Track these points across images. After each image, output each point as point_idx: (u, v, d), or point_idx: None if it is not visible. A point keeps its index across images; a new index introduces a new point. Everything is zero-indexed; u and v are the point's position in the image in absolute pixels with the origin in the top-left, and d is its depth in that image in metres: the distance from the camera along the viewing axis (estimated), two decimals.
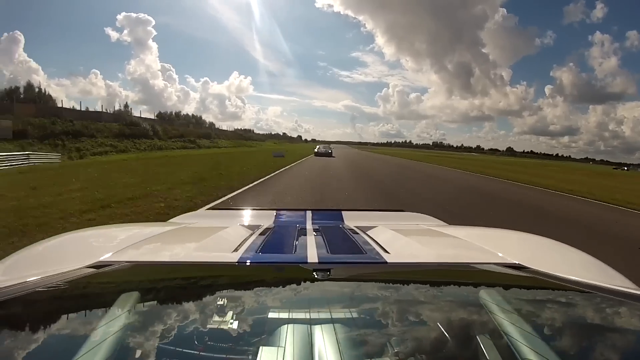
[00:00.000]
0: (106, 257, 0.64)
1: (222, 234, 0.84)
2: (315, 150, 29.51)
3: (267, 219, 1.20)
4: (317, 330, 0.40)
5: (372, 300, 0.51)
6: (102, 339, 0.37)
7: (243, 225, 0.98)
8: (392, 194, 8.65)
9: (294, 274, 0.61)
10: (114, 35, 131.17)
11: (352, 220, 1.21)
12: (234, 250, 0.68)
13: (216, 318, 0.43)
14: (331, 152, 28.70)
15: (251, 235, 0.84)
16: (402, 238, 0.87)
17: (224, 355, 0.37)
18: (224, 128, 73.44)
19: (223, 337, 0.39)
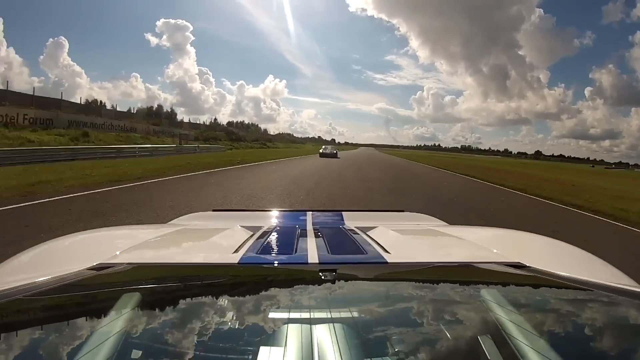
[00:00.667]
0: (108, 258, 0.65)
1: (223, 235, 0.86)
2: (320, 151, 29.82)
3: (267, 220, 1.21)
4: (318, 330, 0.40)
5: (372, 301, 0.51)
6: (105, 340, 0.37)
7: (243, 227, 0.97)
8: (362, 169, 16.88)
9: (295, 274, 0.62)
10: (153, 40, 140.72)
11: (352, 220, 1.22)
12: (234, 251, 0.69)
13: (217, 319, 0.44)
14: (336, 152, 29.19)
15: (252, 236, 0.85)
16: (403, 238, 0.88)
17: (225, 356, 0.38)
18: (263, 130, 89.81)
19: (224, 338, 0.40)
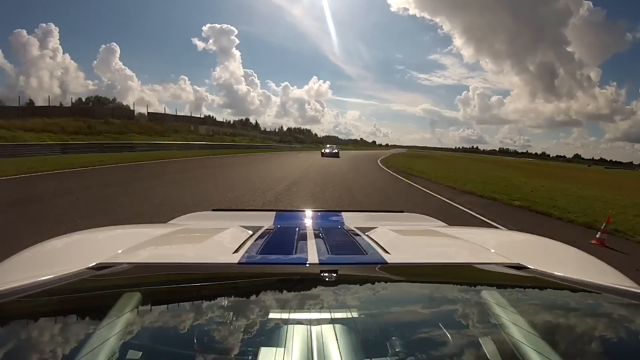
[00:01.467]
0: (108, 258, 0.65)
1: (223, 235, 0.85)
2: (323, 151, 29.14)
3: (267, 220, 1.20)
4: (318, 330, 0.40)
5: (372, 301, 0.51)
6: (105, 340, 0.37)
7: (243, 227, 0.97)
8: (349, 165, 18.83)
9: (295, 274, 0.62)
10: (200, 44, 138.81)
11: (352, 221, 1.23)
12: (234, 252, 0.69)
13: (217, 319, 0.44)
14: (337, 152, 28.47)
15: (252, 236, 0.85)
16: (403, 239, 0.88)
17: (225, 356, 0.38)
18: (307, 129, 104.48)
19: (224, 338, 0.40)
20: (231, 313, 0.45)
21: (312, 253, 0.70)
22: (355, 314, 0.45)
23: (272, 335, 0.40)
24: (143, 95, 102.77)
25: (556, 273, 0.64)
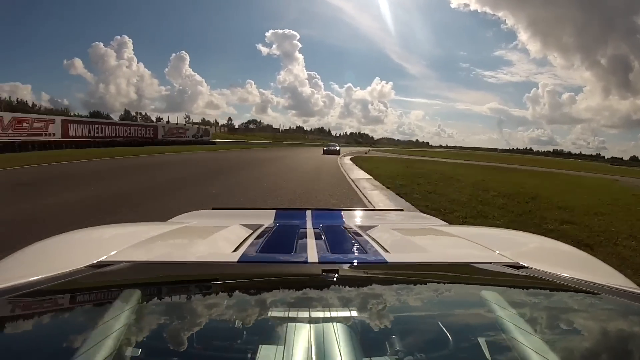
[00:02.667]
0: (107, 256, 0.65)
1: (223, 234, 0.86)
2: (324, 148, 29.24)
3: (267, 219, 1.20)
4: (318, 329, 0.40)
5: (372, 300, 0.51)
6: (104, 338, 0.37)
7: (243, 225, 0.98)
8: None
9: (295, 273, 0.62)
10: (264, 50, 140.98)
11: (351, 219, 1.22)
12: (234, 250, 0.69)
13: (217, 317, 0.44)
14: (338, 150, 28.43)
15: (251, 234, 0.85)
16: (402, 237, 0.88)
17: (225, 354, 0.38)
18: (366, 132, 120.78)
19: (223, 336, 0.40)
20: (231, 311, 0.45)
21: (312, 252, 0.70)
22: (355, 313, 0.45)
23: (272, 333, 0.40)
24: (212, 99, 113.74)
25: (556, 273, 0.64)
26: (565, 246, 0.90)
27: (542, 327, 0.45)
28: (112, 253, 0.67)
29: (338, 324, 0.41)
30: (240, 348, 0.39)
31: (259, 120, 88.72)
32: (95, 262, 0.62)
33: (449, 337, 0.41)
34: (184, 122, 51.02)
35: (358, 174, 11.11)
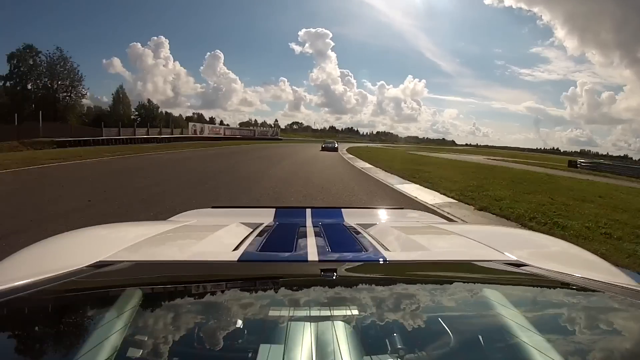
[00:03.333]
0: (108, 256, 0.65)
1: (223, 232, 0.86)
2: (322, 145, 30.02)
3: (267, 217, 1.21)
4: (318, 328, 0.40)
5: (372, 298, 0.51)
6: (105, 338, 0.37)
7: (243, 224, 0.98)
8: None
9: (295, 272, 0.62)
10: (297, 48, 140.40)
11: (352, 218, 1.23)
12: (234, 249, 0.70)
13: (217, 316, 0.44)
14: (337, 147, 29.22)
15: (251, 233, 0.86)
16: (403, 236, 0.88)
17: (225, 353, 0.38)
18: (400, 130, 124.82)
19: (224, 335, 0.40)
20: (231, 310, 0.46)
21: (312, 250, 0.70)
22: (355, 311, 0.45)
23: (273, 332, 0.40)
24: (246, 96, 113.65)
25: (557, 270, 0.63)
26: (566, 244, 0.89)
27: (543, 325, 0.44)
28: (112, 252, 0.67)
29: (338, 322, 0.41)
30: (241, 347, 0.38)
31: (300, 122, 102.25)
32: (96, 261, 0.62)
33: (450, 335, 0.40)
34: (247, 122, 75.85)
35: (350, 154, 21.70)
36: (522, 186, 8.98)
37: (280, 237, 0.86)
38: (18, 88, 34.35)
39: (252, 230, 0.90)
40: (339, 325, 0.41)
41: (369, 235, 0.86)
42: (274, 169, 10.65)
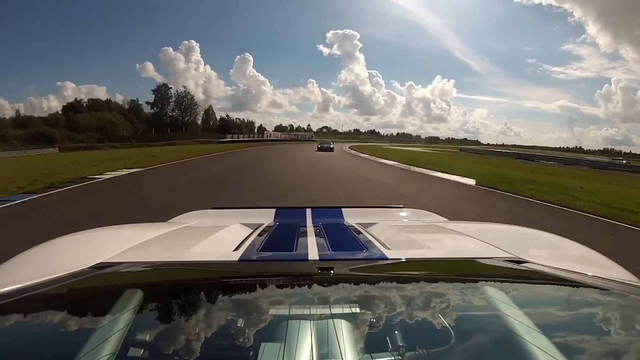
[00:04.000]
0: (108, 257, 0.65)
1: (223, 233, 0.86)
2: (318, 146, 30.78)
3: (267, 218, 1.21)
4: (319, 326, 0.41)
5: (373, 297, 0.51)
6: (106, 339, 0.38)
7: (243, 224, 0.99)
8: None
9: (295, 271, 0.62)
10: (325, 50, 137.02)
11: (352, 217, 1.23)
12: (235, 249, 0.70)
13: (218, 316, 0.45)
14: (332, 147, 29.83)
15: (252, 233, 0.86)
16: (403, 234, 0.90)
17: (227, 353, 0.39)
18: (430, 130, 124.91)
19: (226, 335, 0.41)
20: (232, 310, 0.46)
21: (313, 250, 0.70)
22: (355, 310, 0.45)
23: (274, 331, 0.41)
24: (275, 98, 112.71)
25: (557, 267, 0.64)
26: (567, 241, 0.89)
27: (544, 322, 0.45)
28: (113, 254, 0.67)
29: (339, 321, 0.42)
30: (243, 347, 0.39)
31: (328, 126, 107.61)
32: (96, 263, 0.63)
33: (451, 333, 0.41)
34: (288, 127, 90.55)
35: (353, 151, 29.68)
36: (427, 158, 20.70)
37: (281, 237, 0.87)
38: (156, 110, 55.66)
39: (252, 230, 0.91)
40: (340, 324, 0.41)
41: (370, 234, 0.87)
42: (309, 148, 28.96)
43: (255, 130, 66.48)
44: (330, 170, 12.60)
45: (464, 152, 40.48)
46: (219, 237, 0.84)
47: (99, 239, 0.90)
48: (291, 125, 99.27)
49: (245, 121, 73.46)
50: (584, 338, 0.43)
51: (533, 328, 0.41)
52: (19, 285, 0.52)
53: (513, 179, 10.32)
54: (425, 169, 13.58)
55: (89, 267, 0.61)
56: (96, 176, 9.58)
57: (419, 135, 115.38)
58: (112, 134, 41.70)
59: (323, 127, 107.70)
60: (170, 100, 57.34)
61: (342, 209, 1.36)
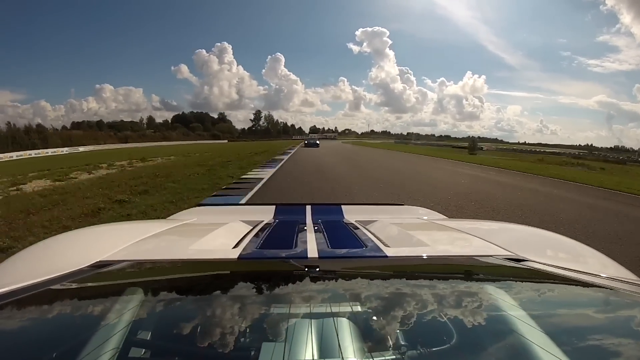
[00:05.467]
0: (108, 255, 0.65)
1: (223, 231, 0.87)
2: (305, 142, 31.32)
3: (266, 215, 1.21)
4: (318, 324, 0.41)
5: (372, 294, 0.51)
6: (107, 337, 0.38)
7: (243, 221, 0.99)
8: None
9: (295, 269, 0.62)
10: (355, 48, 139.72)
11: (352, 214, 1.23)
12: (234, 247, 0.70)
13: (218, 314, 0.45)
14: (318, 144, 30.83)
15: (251, 231, 0.87)
16: (403, 232, 0.89)
17: (227, 351, 0.38)
18: (464, 128, 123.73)
19: (225, 333, 0.40)
20: (231, 308, 0.46)
21: (312, 247, 0.70)
22: (355, 308, 0.46)
23: (273, 329, 0.41)
24: (307, 97, 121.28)
25: (556, 265, 0.64)
26: (565, 239, 0.90)
27: (544, 320, 0.45)
28: (113, 252, 0.67)
29: (339, 319, 0.42)
30: (243, 344, 0.39)
31: (349, 128, 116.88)
32: (96, 261, 0.63)
33: (451, 331, 0.41)
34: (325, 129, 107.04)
35: (348, 144, 50.31)
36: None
37: (280, 235, 0.87)
38: (255, 123, 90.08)
39: (251, 228, 0.92)
40: (340, 322, 0.41)
41: (369, 231, 0.88)
42: (331, 142, 61.14)
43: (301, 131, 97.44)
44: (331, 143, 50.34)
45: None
46: (218, 234, 0.84)
47: (99, 236, 0.90)
48: (323, 127, 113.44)
49: (295, 127, 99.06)
50: (585, 336, 0.43)
51: (533, 326, 0.41)
52: (19, 284, 0.52)
53: None
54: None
55: (88, 266, 0.62)
56: (291, 147, 30.53)
57: (433, 134, 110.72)
58: (232, 134, 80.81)
59: (345, 129, 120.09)
60: (261, 116, 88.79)
61: (342, 206, 1.36)
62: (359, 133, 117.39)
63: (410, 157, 21.98)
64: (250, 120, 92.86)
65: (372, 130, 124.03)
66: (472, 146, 38.99)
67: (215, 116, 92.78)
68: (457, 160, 19.92)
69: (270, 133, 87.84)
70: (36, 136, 45.15)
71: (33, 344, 0.39)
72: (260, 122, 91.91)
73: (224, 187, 7.99)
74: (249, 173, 10.88)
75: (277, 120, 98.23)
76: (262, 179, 9.27)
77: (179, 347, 0.39)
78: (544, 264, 0.65)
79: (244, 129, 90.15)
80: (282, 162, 15.01)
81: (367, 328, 0.42)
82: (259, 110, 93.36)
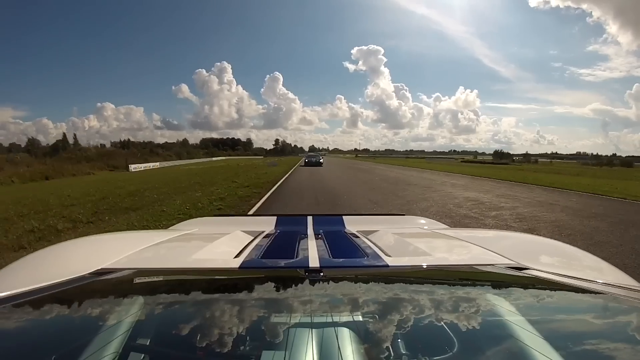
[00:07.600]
0: (109, 264, 0.65)
1: (224, 240, 0.87)
2: (305, 160, 29.40)
3: (268, 225, 1.21)
4: (320, 334, 0.41)
5: (374, 304, 0.51)
6: (107, 345, 0.38)
7: (244, 232, 1.00)
8: None
9: (296, 278, 0.62)
10: (351, 67, 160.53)
11: (353, 225, 1.23)
12: (235, 256, 0.70)
13: (219, 323, 0.44)
14: (321, 161, 28.23)
15: (252, 241, 0.87)
16: (403, 241, 0.89)
17: (227, 359, 0.38)
18: (461, 142, 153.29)
19: (226, 343, 0.40)
20: (233, 317, 0.46)
21: (313, 257, 0.70)
22: (356, 318, 0.46)
23: (274, 339, 0.41)
24: (305, 115, 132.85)
25: (557, 273, 0.64)
26: (567, 247, 0.89)
27: (546, 328, 0.44)
28: (114, 260, 0.67)
29: (340, 328, 0.42)
30: (243, 354, 0.39)
31: (337, 147, 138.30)
32: (97, 269, 0.63)
33: (453, 340, 0.41)
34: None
35: (350, 161, 51.17)
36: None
37: (282, 244, 0.87)
38: (275, 148, 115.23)
39: (253, 238, 0.92)
40: (341, 331, 0.41)
41: (371, 241, 0.88)
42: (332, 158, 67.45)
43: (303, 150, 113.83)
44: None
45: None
46: (219, 244, 0.84)
47: (100, 245, 0.90)
48: (320, 146, 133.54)
49: (297, 146, 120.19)
50: (587, 344, 0.43)
51: (535, 334, 0.41)
52: (19, 290, 0.52)
53: None
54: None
55: (89, 273, 0.62)
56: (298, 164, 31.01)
57: (434, 150, 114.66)
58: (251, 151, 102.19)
59: (334, 148, 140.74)
60: (279, 142, 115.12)
61: (343, 217, 1.35)
62: (345, 151, 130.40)
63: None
64: (273, 144, 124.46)
65: (376, 150, 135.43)
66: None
67: (236, 137, 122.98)
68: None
69: (284, 151, 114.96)
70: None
71: (33, 349, 0.40)
72: (278, 145, 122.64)
73: (302, 164, 26.72)
74: (299, 162, 31.45)
75: (290, 143, 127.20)
76: (301, 164, 28.29)
77: (180, 354, 0.39)
78: (546, 272, 0.65)
79: (268, 149, 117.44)
80: (301, 162, 32.73)
81: (368, 337, 0.41)
82: (278, 139, 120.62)
